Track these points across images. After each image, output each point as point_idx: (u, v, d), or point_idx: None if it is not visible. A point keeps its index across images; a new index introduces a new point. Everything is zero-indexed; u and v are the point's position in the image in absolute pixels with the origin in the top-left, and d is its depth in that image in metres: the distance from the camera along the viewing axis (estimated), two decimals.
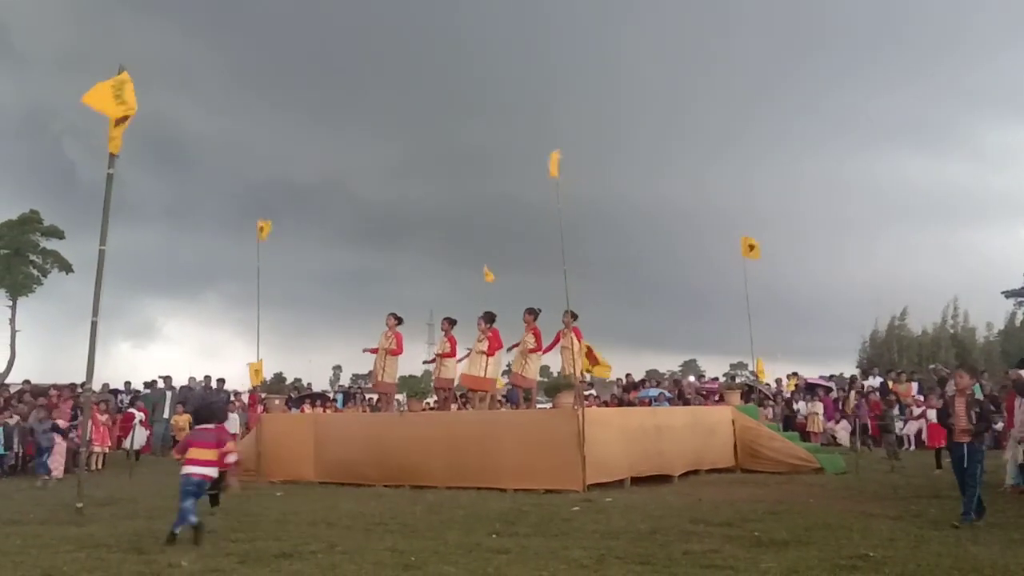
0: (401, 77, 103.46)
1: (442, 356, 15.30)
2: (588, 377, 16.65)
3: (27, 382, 22.55)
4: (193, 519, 7.42)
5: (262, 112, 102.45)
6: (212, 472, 7.81)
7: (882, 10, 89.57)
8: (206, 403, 10.46)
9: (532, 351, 14.72)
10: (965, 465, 8.31)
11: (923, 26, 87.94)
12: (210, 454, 7.76)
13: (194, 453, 7.76)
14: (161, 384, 23.00)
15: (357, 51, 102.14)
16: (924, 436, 20.07)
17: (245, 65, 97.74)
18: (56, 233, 40.93)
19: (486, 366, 14.84)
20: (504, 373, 19.57)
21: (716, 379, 29.18)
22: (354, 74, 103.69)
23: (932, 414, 14.97)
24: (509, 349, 15.04)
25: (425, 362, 17.67)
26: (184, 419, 19.93)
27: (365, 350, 16.02)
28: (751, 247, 18.04)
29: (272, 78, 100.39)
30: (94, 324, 10.07)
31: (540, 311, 14.95)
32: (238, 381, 25.58)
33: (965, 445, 8.36)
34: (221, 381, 24.55)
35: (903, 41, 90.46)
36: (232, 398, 24.30)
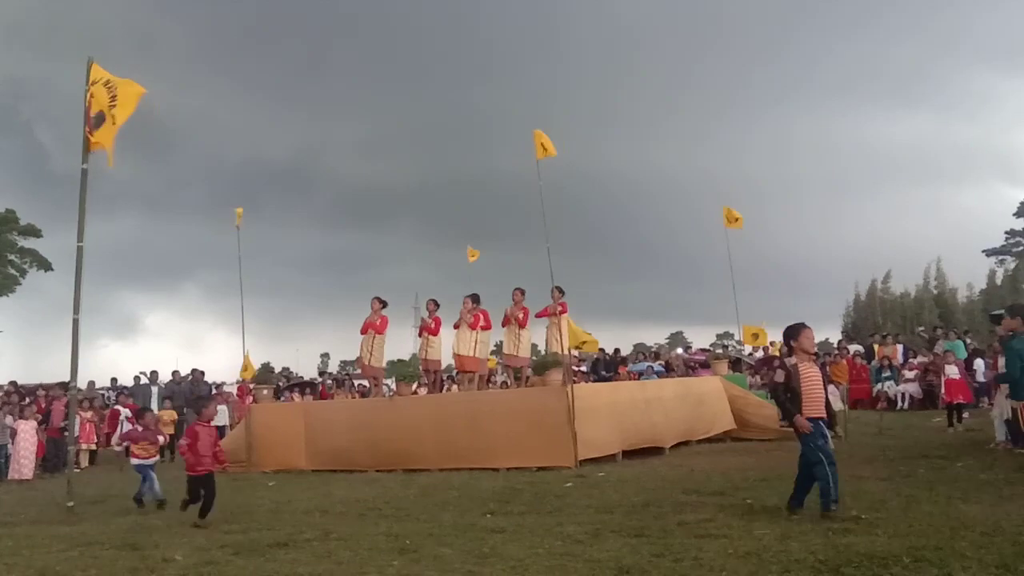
0: (379, 43, 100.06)
1: (429, 333, 15.26)
2: (578, 353, 16.70)
3: (13, 383, 22.35)
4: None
5: (231, 88, 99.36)
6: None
7: None
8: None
9: (521, 326, 14.75)
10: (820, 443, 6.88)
11: None
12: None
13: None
14: (145, 380, 22.85)
15: (330, 19, 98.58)
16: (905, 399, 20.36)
17: (209, 38, 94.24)
18: (33, 232, 40.57)
19: (475, 346, 14.83)
20: (494, 353, 19.57)
21: (703, 350, 29.28)
22: (327, 44, 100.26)
23: (951, 370, 15.10)
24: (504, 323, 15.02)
25: (415, 354, 17.67)
26: (169, 415, 19.77)
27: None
28: (736, 219, 18.11)
29: (239, 51, 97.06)
30: (76, 322, 9.97)
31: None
32: (223, 372, 25.45)
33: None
34: (201, 373, 24.36)
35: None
36: (214, 389, 24.18)
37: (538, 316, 14.89)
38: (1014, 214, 53.84)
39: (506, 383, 20.20)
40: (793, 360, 6.90)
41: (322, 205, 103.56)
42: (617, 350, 26.29)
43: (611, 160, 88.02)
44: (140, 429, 10.74)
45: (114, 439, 18.77)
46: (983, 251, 51.68)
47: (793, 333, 7.06)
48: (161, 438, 11.07)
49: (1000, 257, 50.64)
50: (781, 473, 9.57)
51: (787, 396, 6.91)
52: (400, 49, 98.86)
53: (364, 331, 15.40)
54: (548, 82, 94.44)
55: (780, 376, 6.93)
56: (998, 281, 38.62)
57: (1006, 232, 53.46)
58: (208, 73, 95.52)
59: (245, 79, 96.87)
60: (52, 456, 16.23)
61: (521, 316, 14.78)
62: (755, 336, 18.62)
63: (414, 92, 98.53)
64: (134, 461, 10.43)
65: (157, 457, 10.63)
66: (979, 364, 16.99)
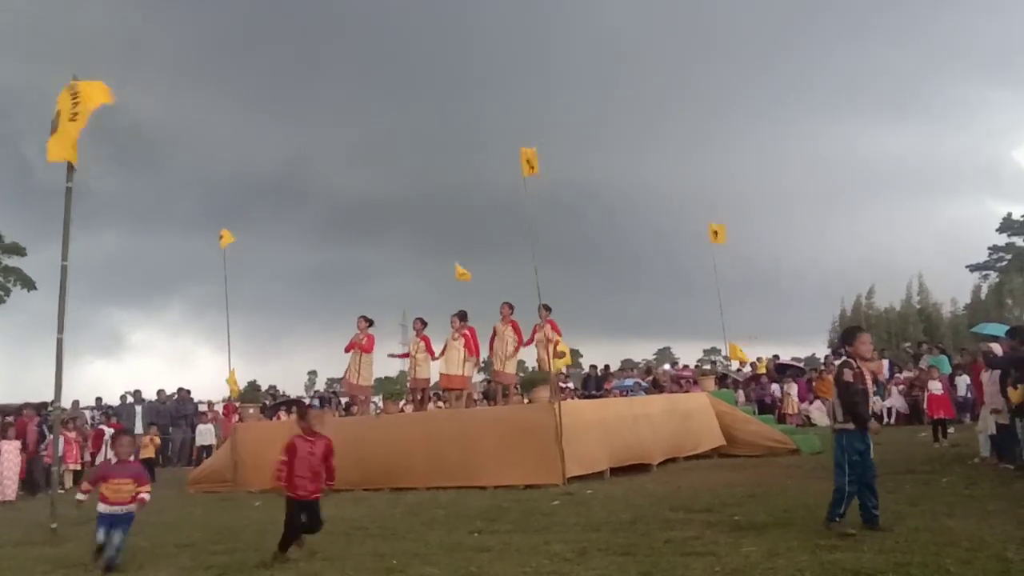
0: (369, 53, 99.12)
1: (417, 354, 15.24)
2: (565, 369, 16.71)
3: None
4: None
5: (217, 98, 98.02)
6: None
7: None
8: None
9: (515, 348, 14.75)
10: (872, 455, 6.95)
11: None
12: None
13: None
14: (130, 399, 22.70)
15: (318, 29, 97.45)
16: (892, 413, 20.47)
17: (198, 47, 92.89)
18: (18, 251, 40.24)
19: (463, 364, 14.81)
20: (481, 370, 19.56)
21: (687, 366, 29.33)
22: (316, 55, 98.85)
23: (934, 385, 15.13)
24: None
25: (391, 355, 17.84)
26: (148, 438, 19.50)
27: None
28: (715, 233, 18.20)
29: (228, 60, 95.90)
30: (60, 341, 9.89)
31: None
32: (209, 390, 25.29)
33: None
34: (187, 391, 24.16)
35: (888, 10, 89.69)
36: (206, 408, 24.05)
37: (526, 344, 14.84)
38: (997, 229, 54.33)
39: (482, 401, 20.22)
40: (856, 363, 6.93)
41: (310, 217, 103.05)
42: (607, 366, 26.30)
43: (601, 172, 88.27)
44: (113, 460, 7.57)
45: (91, 466, 18.63)
46: (967, 266, 52.15)
47: (849, 338, 7.21)
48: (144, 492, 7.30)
49: (984, 272, 51.06)
50: (768, 490, 9.62)
51: (855, 397, 6.84)
52: (390, 59, 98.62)
53: (348, 349, 15.39)
54: (539, 93, 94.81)
55: (849, 375, 6.88)
56: (983, 296, 38.97)
57: (989, 248, 53.90)
58: (196, 82, 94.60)
59: (233, 89, 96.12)
60: (30, 478, 16.10)
61: (510, 330, 14.77)
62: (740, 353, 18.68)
63: (404, 103, 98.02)
64: (100, 507, 7.08)
65: (134, 506, 7.18)
66: (962, 380, 17.11)
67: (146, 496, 7.28)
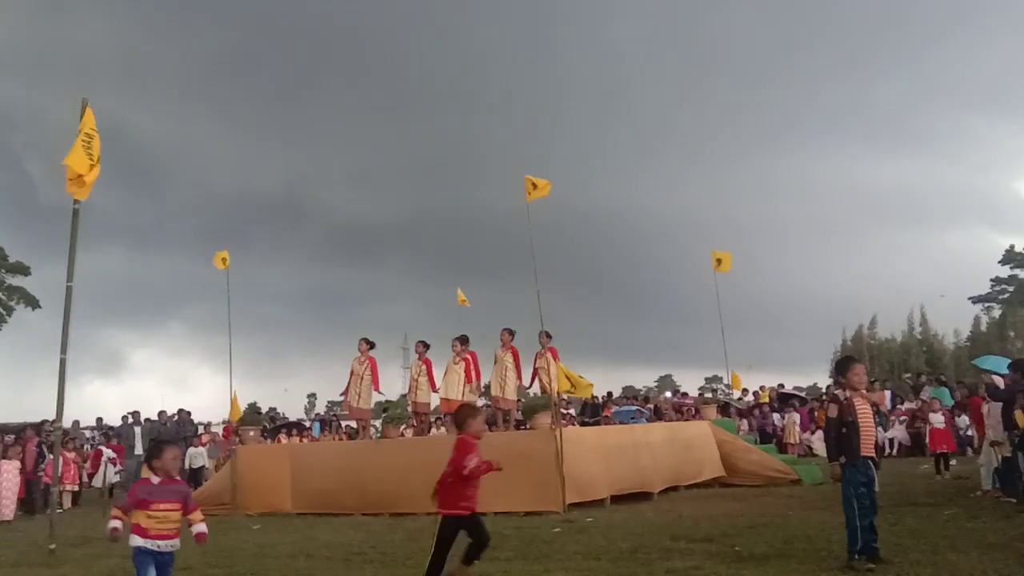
0: (366, 76, 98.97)
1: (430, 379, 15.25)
2: (567, 397, 16.67)
3: None
4: None
5: (217, 119, 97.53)
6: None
7: (868, 11, 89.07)
8: None
9: (516, 377, 14.74)
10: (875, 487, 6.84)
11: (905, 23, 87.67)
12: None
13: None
14: (130, 420, 22.64)
15: (320, 50, 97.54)
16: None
17: (200, 67, 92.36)
18: (22, 270, 40.33)
19: (463, 389, 14.79)
20: (483, 395, 19.53)
21: (686, 394, 29.32)
22: (317, 76, 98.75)
23: (936, 418, 15.07)
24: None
25: (404, 396, 17.83)
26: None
27: (342, 395, 15.96)
28: (719, 261, 18.22)
29: (224, 81, 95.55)
30: (63, 362, 9.92)
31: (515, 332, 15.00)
32: (209, 411, 25.17)
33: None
34: (188, 412, 24.03)
35: (889, 37, 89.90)
36: (202, 430, 23.96)
37: (531, 382, 14.82)
38: (1000, 261, 54.28)
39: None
40: (847, 394, 6.90)
41: (311, 240, 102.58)
42: (609, 393, 26.24)
43: (601, 196, 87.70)
44: (156, 481, 5.71)
45: (96, 480, 18.54)
46: (969, 298, 52.02)
47: (842, 368, 7.21)
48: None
49: (986, 304, 50.97)
50: (770, 519, 9.57)
51: (840, 432, 6.81)
52: (390, 82, 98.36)
53: (346, 391, 15.44)
54: (541, 117, 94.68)
55: (833, 411, 6.90)
56: (983, 328, 38.96)
57: (992, 280, 53.83)
58: (196, 103, 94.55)
59: (233, 110, 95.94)
60: (28, 497, 16.05)
61: (510, 357, 14.77)
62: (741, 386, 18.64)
63: (404, 125, 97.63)
64: (139, 542, 5.49)
65: (177, 540, 5.69)
66: (962, 420, 17.07)
67: (204, 529, 5.93)
